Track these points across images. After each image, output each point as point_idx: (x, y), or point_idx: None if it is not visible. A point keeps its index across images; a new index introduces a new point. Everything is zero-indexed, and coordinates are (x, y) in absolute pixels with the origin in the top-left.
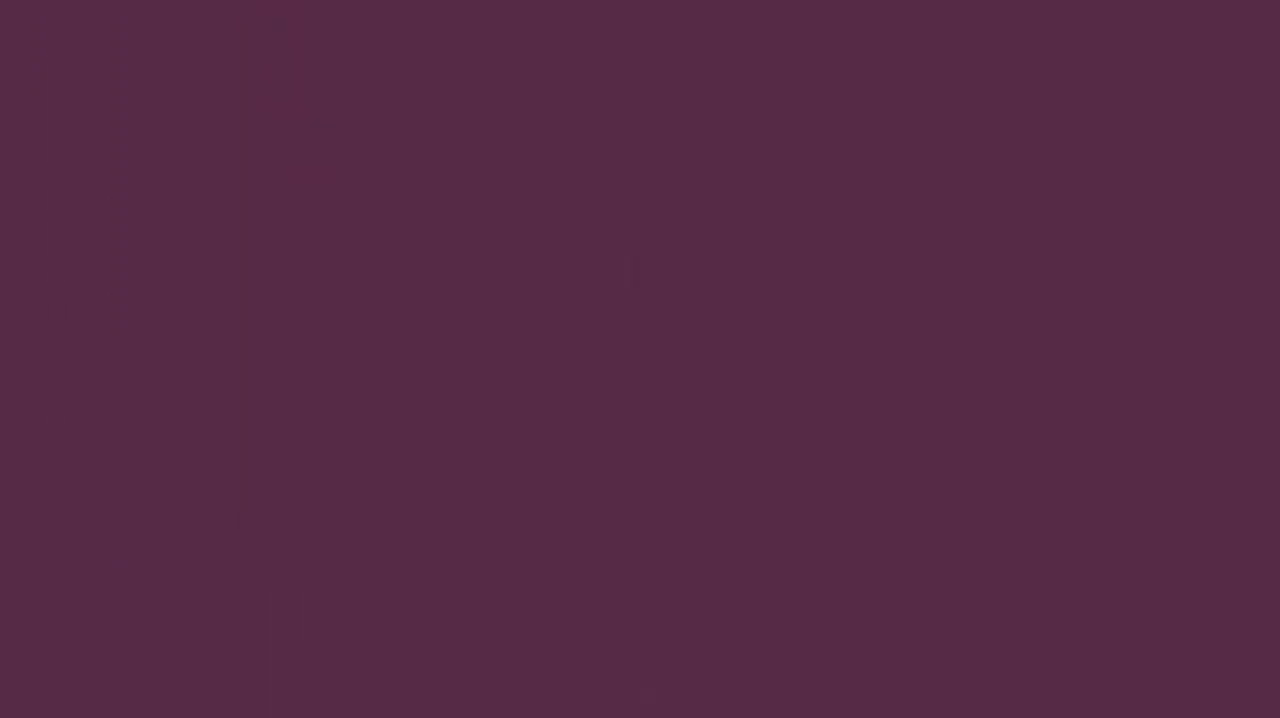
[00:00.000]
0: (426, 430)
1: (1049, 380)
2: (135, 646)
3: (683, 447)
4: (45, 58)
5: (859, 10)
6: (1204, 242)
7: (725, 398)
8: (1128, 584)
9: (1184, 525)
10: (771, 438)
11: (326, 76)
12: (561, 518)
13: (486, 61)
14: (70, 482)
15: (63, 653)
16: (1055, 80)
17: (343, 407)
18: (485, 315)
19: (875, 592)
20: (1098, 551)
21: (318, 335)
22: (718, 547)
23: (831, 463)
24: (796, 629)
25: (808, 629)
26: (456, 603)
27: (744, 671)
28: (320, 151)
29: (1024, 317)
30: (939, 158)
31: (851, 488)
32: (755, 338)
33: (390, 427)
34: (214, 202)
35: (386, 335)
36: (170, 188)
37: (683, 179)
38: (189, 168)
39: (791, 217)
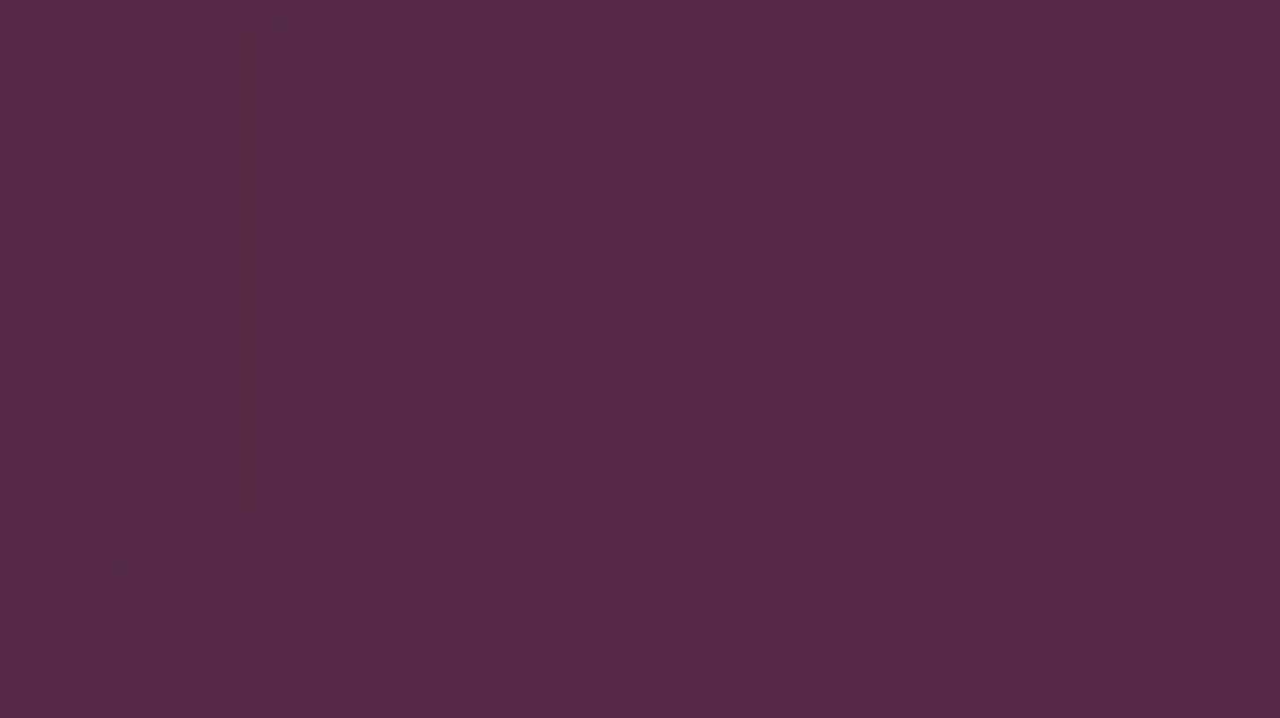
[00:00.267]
0: (426, 430)
1: (1049, 380)
2: (135, 645)
3: (682, 446)
4: (45, 57)
5: (859, 10)
6: (1204, 242)
7: (725, 398)
8: (1128, 584)
9: (1184, 526)
10: (771, 438)
11: (326, 76)
12: (561, 518)
13: (486, 61)
14: (70, 481)
15: (63, 653)
16: (1055, 80)
17: (343, 406)
18: (485, 315)
19: (875, 592)
20: (1098, 551)
21: (318, 335)
22: (718, 547)
23: (831, 463)
24: (796, 629)
25: (808, 629)
26: (456, 603)
27: (744, 671)
28: (320, 151)
29: (1024, 317)
30: (939, 158)
31: (851, 488)
32: (755, 338)
33: (390, 426)
34: (214, 201)
35: (387, 335)
36: (170, 187)
37: (682, 179)
38: (189, 167)
39: (791, 217)
